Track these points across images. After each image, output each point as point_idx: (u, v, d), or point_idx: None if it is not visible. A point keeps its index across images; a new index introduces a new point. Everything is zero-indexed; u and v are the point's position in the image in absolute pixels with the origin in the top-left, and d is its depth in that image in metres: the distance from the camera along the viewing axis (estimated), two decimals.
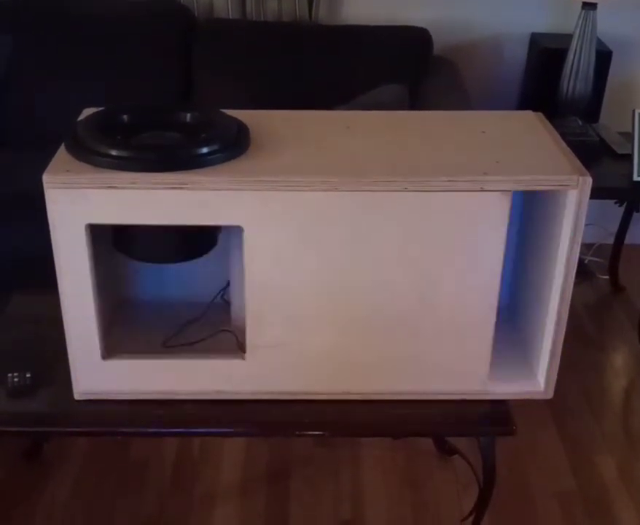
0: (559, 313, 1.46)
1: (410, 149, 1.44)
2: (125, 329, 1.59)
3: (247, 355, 1.48)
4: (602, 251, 3.04)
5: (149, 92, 2.67)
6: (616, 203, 2.76)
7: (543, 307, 1.49)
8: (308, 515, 1.98)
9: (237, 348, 1.53)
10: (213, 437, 2.15)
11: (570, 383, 2.42)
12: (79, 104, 1.59)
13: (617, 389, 2.45)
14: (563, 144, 1.47)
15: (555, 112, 2.49)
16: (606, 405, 2.37)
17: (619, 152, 2.53)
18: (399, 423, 1.54)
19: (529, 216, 1.55)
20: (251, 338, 1.47)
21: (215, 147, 1.34)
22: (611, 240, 2.93)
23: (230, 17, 2.80)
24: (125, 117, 1.45)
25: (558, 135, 1.51)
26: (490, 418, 1.54)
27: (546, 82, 2.68)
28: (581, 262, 2.96)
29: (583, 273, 2.97)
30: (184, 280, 1.64)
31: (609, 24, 2.75)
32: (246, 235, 1.36)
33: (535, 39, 2.83)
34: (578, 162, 1.39)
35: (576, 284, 1.43)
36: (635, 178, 2.36)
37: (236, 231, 1.39)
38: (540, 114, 1.61)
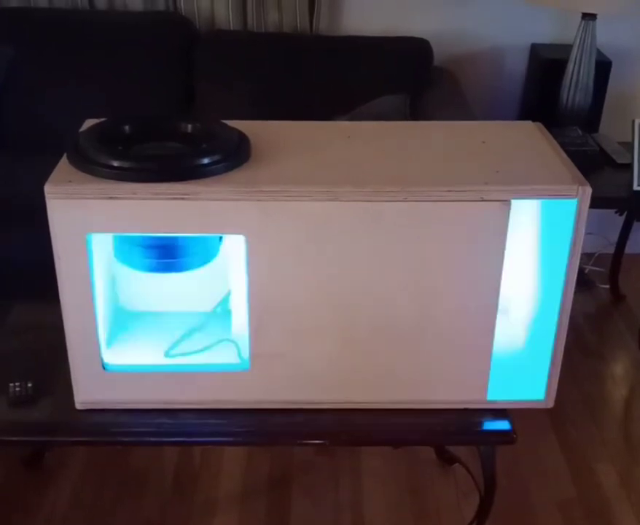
0: (559, 322, 1.46)
1: (410, 159, 1.45)
2: (125, 339, 1.59)
3: (248, 365, 1.49)
4: (602, 261, 3.05)
5: (151, 103, 2.68)
6: (616, 212, 2.77)
7: (543, 316, 1.50)
8: (309, 524, 1.98)
9: (239, 357, 1.54)
10: (213, 446, 2.16)
11: (570, 391, 2.43)
12: (80, 114, 1.60)
13: (617, 398, 2.45)
14: (563, 154, 1.47)
15: (555, 122, 2.50)
16: (607, 413, 2.37)
17: (619, 161, 2.54)
18: (399, 432, 1.55)
19: (529, 225, 1.56)
20: (252, 348, 1.47)
21: (216, 158, 1.35)
22: (611, 250, 2.94)
23: (231, 28, 2.81)
24: (127, 127, 1.46)
25: (558, 145, 1.51)
26: (491, 427, 1.54)
27: (546, 92, 2.69)
28: (581, 271, 2.97)
29: (583, 282, 2.97)
30: (186, 289, 1.64)
31: (609, 35, 2.76)
32: (248, 245, 1.37)
33: (535, 50, 2.84)
34: (578, 172, 1.40)
35: (577, 293, 1.43)
36: (635, 187, 2.37)
37: (237, 241, 1.40)
38: (540, 124, 1.61)
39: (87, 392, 1.50)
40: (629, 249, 2.90)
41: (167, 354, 1.56)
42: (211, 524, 1.97)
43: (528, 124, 1.61)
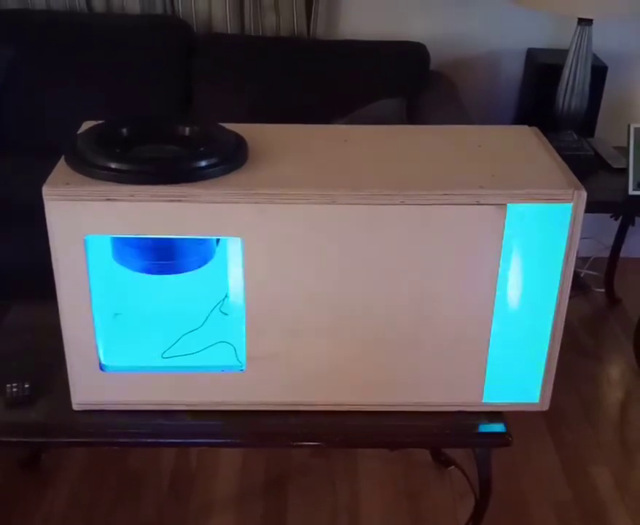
0: (555, 326, 1.47)
1: (406, 162, 1.45)
2: (123, 340, 1.60)
3: (245, 367, 1.49)
4: (598, 265, 3.05)
5: (148, 106, 2.68)
6: (611, 216, 2.77)
7: (539, 320, 1.50)
8: None
9: (236, 359, 1.54)
10: (210, 448, 2.16)
11: (566, 394, 2.43)
12: (78, 116, 1.61)
13: (612, 400, 2.46)
14: (559, 158, 1.48)
15: (551, 127, 2.50)
16: (602, 415, 2.38)
17: (615, 166, 2.55)
18: (395, 434, 1.55)
19: (525, 229, 1.56)
20: (249, 350, 1.48)
21: (214, 160, 1.36)
22: (606, 254, 2.94)
23: (229, 32, 2.81)
24: (124, 130, 1.46)
25: (554, 150, 1.52)
26: (486, 429, 1.55)
27: (542, 96, 2.70)
28: (577, 275, 2.97)
29: (579, 286, 2.98)
30: (183, 291, 1.65)
31: (605, 40, 2.77)
32: (245, 248, 1.38)
33: (531, 55, 2.85)
34: (573, 177, 1.40)
35: (572, 297, 1.44)
36: (631, 192, 2.37)
37: (235, 243, 1.41)
38: (536, 128, 1.62)
39: (85, 393, 1.51)
40: (624, 253, 2.91)
41: (164, 356, 1.57)
42: None
43: (524, 128, 1.62)
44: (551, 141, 1.58)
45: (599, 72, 2.67)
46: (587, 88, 2.55)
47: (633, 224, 2.82)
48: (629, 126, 2.37)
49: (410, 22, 2.84)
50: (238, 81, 2.69)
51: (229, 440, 1.57)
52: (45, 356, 1.63)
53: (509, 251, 1.44)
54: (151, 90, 2.71)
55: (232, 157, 1.39)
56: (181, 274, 1.52)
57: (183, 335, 1.61)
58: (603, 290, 2.97)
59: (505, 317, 1.67)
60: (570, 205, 1.36)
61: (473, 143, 1.54)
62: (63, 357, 1.47)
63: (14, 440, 1.54)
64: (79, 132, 1.47)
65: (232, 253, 1.46)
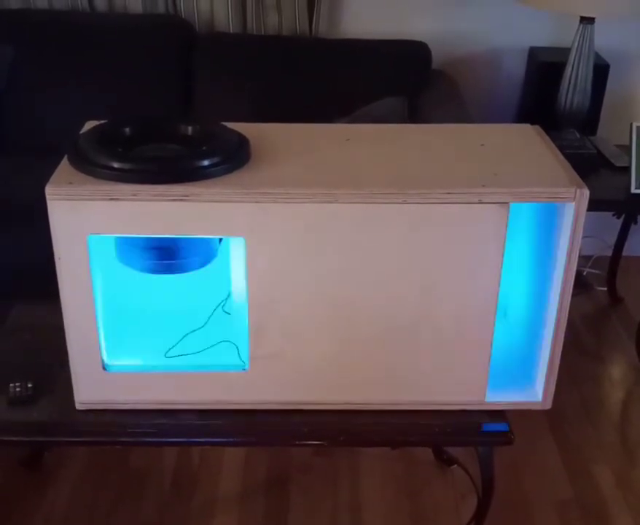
0: (557, 324, 1.47)
1: (409, 161, 1.45)
2: (126, 339, 1.60)
3: (247, 366, 1.49)
4: (600, 263, 3.05)
5: (150, 105, 2.68)
6: (614, 215, 2.77)
7: (541, 318, 1.50)
8: (307, 524, 1.99)
9: (238, 358, 1.54)
10: (212, 446, 2.16)
11: (568, 393, 2.44)
12: (80, 116, 1.61)
13: (614, 400, 2.46)
14: (561, 157, 1.48)
15: (553, 125, 2.50)
16: (604, 415, 2.38)
17: (617, 164, 2.55)
18: (397, 433, 1.55)
19: (527, 228, 1.56)
20: (251, 349, 1.48)
21: (216, 159, 1.36)
22: (609, 253, 2.94)
23: (231, 31, 2.81)
24: (127, 129, 1.46)
25: (556, 148, 1.52)
26: (489, 428, 1.55)
27: (544, 95, 2.70)
28: (579, 274, 2.98)
29: (581, 284, 2.98)
30: (186, 291, 1.65)
31: (607, 38, 2.77)
32: (247, 247, 1.38)
33: (533, 53, 2.85)
34: (576, 175, 1.40)
35: (575, 295, 1.44)
36: (633, 190, 2.37)
37: (237, 243, 1.41)
38: (538, 127, 1.62)
39: (87, 392, 1.51)
40: (627, 252, 2.91)
41: (167, 355, 1.57)
42: (210, 524, 1.98)
43: (526, 127, 1.62)
44: (553, 140, 1.58)
45: (601, 70, 2.67)
46: (589, 86, 2.55)
47: (635, 223, 2.82)
48: (631, 125, 2.37)
49: (412, 20, 2.85)
50: (240, 80, 2.69)
51: (231, 439, 1.57)
52: (48, 356, 1.63)
53: (512, 249, 1.44)
54: (153, 89, 2.71)
55: (234, 157, 1.39)
56: (184, 273, 1.52)
57: (186, 335, 1.62)
58: (605, 289, 2.97)
59: (507, 316, 1.68)
60: (572, 203, 1.36)
61: (475, 141, 1.54)
62: (66, 357, 1.47)
63: (16, 439, 1.54)
64: (81, 131, 1.47)
65: (235, 252, 1.46)
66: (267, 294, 1.42)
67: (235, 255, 1.46)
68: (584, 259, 3.07)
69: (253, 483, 2.10)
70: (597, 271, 3.05)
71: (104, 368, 1.48)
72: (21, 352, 1.68)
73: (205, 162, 1.35)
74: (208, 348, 1.58)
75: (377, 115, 2.37)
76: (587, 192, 1.35)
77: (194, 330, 1.63)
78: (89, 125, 1.52)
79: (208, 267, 1.51)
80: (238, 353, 1.55)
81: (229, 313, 1.63)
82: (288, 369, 1.50)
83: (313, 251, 1.39)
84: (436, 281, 1.42)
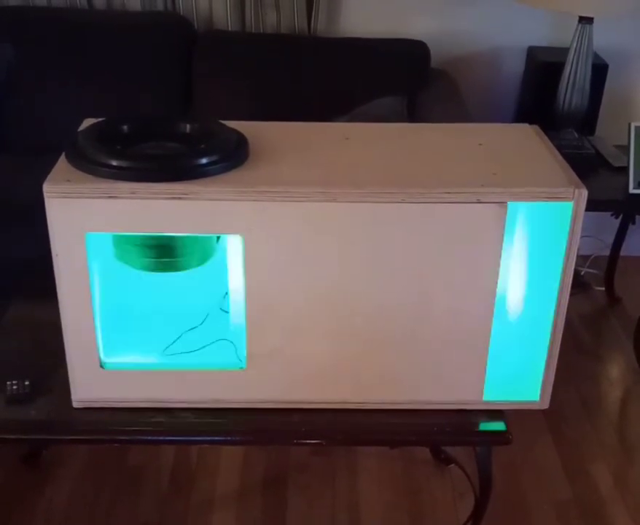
0: (555, 324, 1.47)
1: (407, 160, 1.45)
2: (123, 338, 1.60)
3: (245, 364, 1.49)
4: (598, 263, 3.06)
5: (149, 103, 2.68)
6: (612, 215, 2.77)
7: (539, 318, 1.50)
8: (305, 523, 1.99)
9: (236, 357, 1.54)
10: (210, 445, 2.16)
11: (566, 392, 2.44)
12: (79, 113, 1.61)
13: (612, 399, 2.46)
14: (560, 157, 1.48)
15: (552, 125, 2.50)
16: (602, 414, 2.38)
17: (615, 164, 2.55)
18: (396, 432, 1.55)
19: (525, 227, 1.56)
20: (249, 347, 1.48)
21: (214, 158, 1.36)
22: (607, 252, 2.95)
23: (230, 29, 2.81)
24: (125, 127, 1.46)
25: (554, 148, 1.52)
26: (487, 427, 1.55)
27: (542, 94, 2.70)
28: (577, 273, 2.98)
29: (579, 284, 2.98)
30: (183, 289, 1.65)
31: (606, 38, 2.77)
32: (245, 245, 1.38)
33: (532, 53, 2.85)
34: (574, 175, 1.40)
35: (573, 295, 1.44)
36: (631, 190, 2.37)
37: (235, 241, 1.41)
38: (536, 126, 1.62)
39: (85, 390, 1.51)
40: (625, 252, 2.91)
41: (164, 353, 1.57)
42: (207, 523, 1.98)
43: (525, 126, 1.62)
44: (552, 140, 1.58)
45: (600, 70, 2.67)
46: (587, 86, 2.55)
47: (633, 223, 2.82)
48: (630, 124, 2.37)
49: (411, 19, 2.84)
50: (239, 78, 2.69)
51: (229, 438, 1.57)
52: (45, 354, 1.63)
53: (510, 249, 1.44)
54: (152, 87, 2.71)
55: (232, 155, 1.39)
56: (182, 272, 1.52)
57: (183, 333, 1.61)
58: (603, 288, 2.98)
59: (505, 315, 1.67)
60: (571, 203, 1.36)
61: (474, 141, 1.54)
62: (63, 355, 1.47)
63: (14, 437, 1.54)
64: (79, 129, 1.47)
65: (233, 251, 1.46)
66: (264, 293, 1.42)
67: (233, 253, 1.46)
68: (582, 259, 3.07)
69: (251, 481, 2.10)
70: (595, 271, 3.06)
71: (101, 366, 1.48)
72: (18, 350, 1.68)
73: (204, 161, 1.35)
74: (205, 346, 1.58)
75: (376, 114, 2.37)
76: (585, 192, 1.35)
77: (192, 328, 1.63)
78: (87, 122, 1.52)
79: (206, 265, 1.51)
80: (236, 351, 1.55)
81: (226, 312, 1.63)
82: (286, 368, 1.49)
83: (311, 249, 1.39)
84: (434, 280, 1.42)
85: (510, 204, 1.36)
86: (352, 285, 1.42)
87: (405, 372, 1.51)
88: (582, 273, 3.05)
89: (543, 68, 2.74)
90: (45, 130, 2.65)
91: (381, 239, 1.38)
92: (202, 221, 1.35)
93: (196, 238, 1.46)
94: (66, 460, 2.13)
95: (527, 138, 1.57)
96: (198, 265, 1.50)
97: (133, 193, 1.32)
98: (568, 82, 2.54)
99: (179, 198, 1.32)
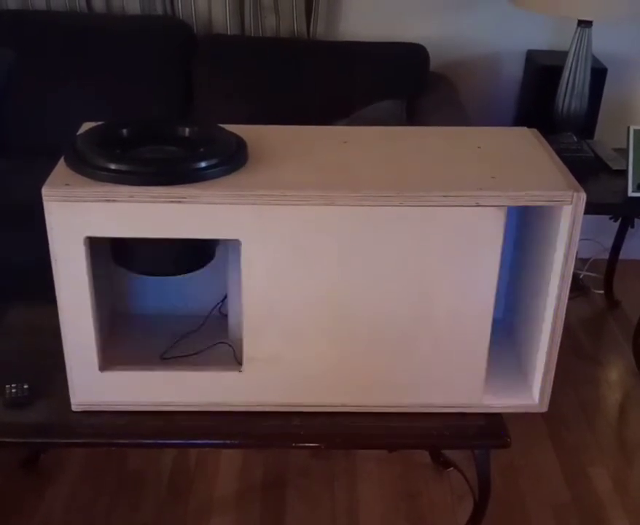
0: (554, 327, 1.47)
1: (406, 164, 1.45)
2: (122, 341, 1.60)
3: (244, 367, 1.49)
4: (597, 266, 3.06)
5: (148, 107, 2.68)
6: (611, 218, 2.77)
7: (538, 321, 1.50)
8: None
9: (235, 360, 1.54)
10: (209, 448, 2.16)
11: (565, 396, 2.43)
12: (79, 118, 1.61)
13: (611, 402, 2.46)
14: (558, 160, 1.48)
15: (551, 128, 2.50)
16: (601, 417, 2.38)
17: (614, 167, 2.55)
18: (394, 435, 1.55)
19: (524, 231, 1.57)
20: (248, 351, 1.48)
21: (213, 161, 1.36)
22: (606, 256, 2.94)
23: (229, 33, 2.81)
24: (124, 131, 1.47)
25: (553, 152, 1.52)
26: (486, 430, 1.55)
27: (541, 98, 2.70)
28: (576, 277, 2.98)
29: (578, 287, 2.98)
30: (182, 293, 1.65)
31: (605, 42, 2.77)
32: (244, 249, 1.38)
33: (531, 56, 2.85)
34: (573, 178, 1.41)
35: (571, 298, 1.44)
36: (630, 194, 2.38)
37: (234, 245, 1.41)
38: (535, 130, 1.62)
39: (84, 394, 1.51)
40: (623, 255, 2.91)
41: (163, 357, 1.57)
42: None
43: (524, 130, 1.62)
44: (551, 143, 1.58)
45: (599, 74, 2.68)
46: (586, 90, 2.55)
47: (632, 226, 2.82)
48: (629, 128, 2.37)
49: (410, 23, 2.85)
50: (238, 82, 2.69)
51: (228, 441, 1.57)
52: (44, 357, 1.63)
53: (509, 252, 1.44)
54: (151, 90, 2.71)
55: (231, 159, 1.39)
56: (181, 275, 1.52)
57: (182, 336, 1.62)
58: (602, 292, 2.98)
59: (504, 318, 1.68)
60: (569, 206, 1.36)
61: (473, 144, 1.54)
62: (62, 358, 1.47)
63: (13, 440, 1.54)
64: (78, 133, 1.47)
65: (232, 254, 1.46)
66: (263, 296, 1.42)
67: (232, 257, 1.46)
68: (581, 262, 3.07)
69: (250, 485, 2.09)
70: (594, 274, 3.05)
71: (100, 370, 1.48)
72: (17, 353, 1.68)
73: (203, 164, 1.35)
74: (204, 350, 1.58)
75: (375, 118, 2.37)
76: (584, 196, 1.36)
77: (191, 332, 1.63)
78: (86, 126, 1.52)
79: (205, 269, 1.51)
80: (235, 355, 1.55)
81: (225, 315, 1.63)
82: (284, 371, 1.49)
83: (309, 253, 1.39)
84: (433, 284, 1.42)
85: (509, 208, 1.36)
86: (350, 288, 1.42)
87: (404, 376, 1.51)
88: (581, 276, 3.05)
89: (542, 72, 2.74)
90: (45, 134, 2.65)
91: (380, 242, 1.38)
92: (201, 224, 1.35)
93: (195, 241, 1.46)
94: (65, 464, 2.12)
95: (526, 141, 1.57)
96: (197, 268, 1.50)
97: (131, 197, 1.32)
98: (567, 86, 2.54)
99: (178, 202, 1.33)
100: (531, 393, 1.56)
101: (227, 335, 1.60)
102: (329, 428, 1.53)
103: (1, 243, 2.28)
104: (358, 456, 2.19)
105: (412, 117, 2.53)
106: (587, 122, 2.67)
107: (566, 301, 1.44)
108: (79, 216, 1.33)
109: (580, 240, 1.39)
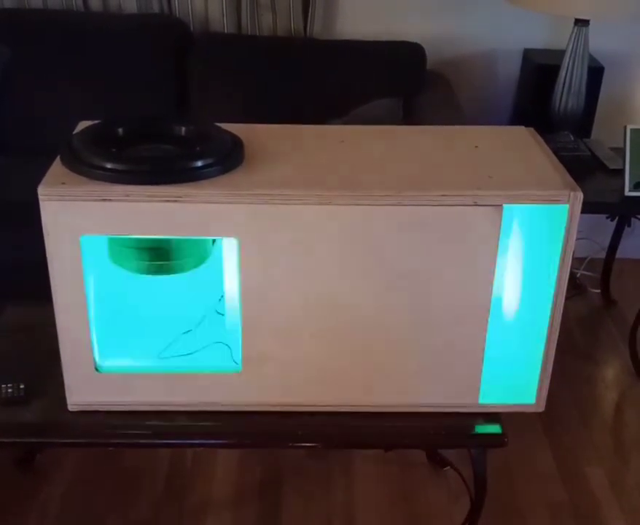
0: (551, 326, 1.47)
1: (403, 163, 1.45)
2: (118, 340, 1.59)
3: (241, 367, 1.49)
4: (594, 265, 3.06)
5: (145, 105, 2.68)
6: (607, 217, 2.77)
7: (535, 320, 1.50)
8: None
9: (232, 360, 1.54)
10: (206, 448, 2.16)
11: (561, 395, 2.44)
12: (75, 117, 1.60)
13: (607, 401, 2.46)
14: (555, 159, 1.48)
15: (548, 127, 2.50)
16: (597, 416, 2.38)
17: (611, 167, 2.55)
18: (391, 435, 1.55)
19: (521, 230, 1.56)
20: (244, 350, 1.47)
21: (209, 160, 1.35)
22: (602, 255, 2.95)
23: (226, 31, 2.81)
24: (120, 129, 1.46)
25: (550, 151, 1.52)
26: (482, 430, 1.55)
27: (538, 97, 2.70)
28: (573, 276, 2.98)
29: (575, 286, 2.98)
30: (179, 292, 1.64)
31: (601, 40, 2.77)
32: (240, 248, 1.37)
33: (528, 55, 2.85)
34: (570, 178, 1.40)
35: (568, 297, 1.44)
36: (627, 193, 2.37)
37: (230, 244, 1.40)
38: (532, 129, 1.62)
39: (80, 393, 1.50)
40: (620, 254, 2.91)
41: (160, 356, 1.57)
42: None
43: (521, 129, 1.62)
44: (547, 142, 1.58)
45: (596, 73, 2.68)
46: (583, 89, 2.55)
47: (629, 225, 2.82)
48: (625, 127, 2.37)
49: (407, 22, 2.84)
50: (235, 80, 2.68)
51: (224, 441, 1.57)
52: (40, 357, 1.63)
53: (506, 252, 1.44)
54: (147, 88, 2.70)
55: (228, 158, 1.39)
56: (177, 275, 1.51)
57: (179, 336, 1.61)
58: (599, 291, 2.98)
59: (501, 318, 1.67)
60: (566, 206, 1.36)
61: (469, 143, 1.54)
62: (58, 358, 1.46)
63: (8, 440, 1.54)
64: (74, 132, 1.47)
65: (228, 253, 1.46)
66: (260, 296, 1.42)
67: (228, 256, 1.46)
68: (577, 261, 3.07)
69: (246, 484, 2.09)
70: (591, 273, 3.06)
71: (96, 369, 1.48)
72: (13, 353, 1.68)
73: (199, 163, 1.34)
74: (201, 349, 1.58)
75: (372, 117, 2.37)
76: (580, 195, 1.35)
77: (187, 331, 1.62)
78: (82, 124, 1.51)
79: (201, 268, 1.51)
80: (231, 354, 1.55)
81: (222, 314, 1.63)
82: (281, 370, 1.49)
83: (306, 253, 1.38)
84: (430, 283, 1.42)
85: (506, 207, 1.36)
86: (348, 288, 1.42)
87: (401, 375, 1.51)
88: (578, 275, 3.05)
89: (539, 71, 2.74)
90: (41, 132, 2.65)
91: (377, 242, 1.38)
92: (197, 224, 1.35)
93: (191, 240, 1.45)
94: (61, 463, 2.12)
95: (523, 140, 1.57)
96: (193, 267, 1.50)
97: (127, 196, 1.32)
98: (564, 85, 2.54)
99: (174, 201, 1.32)
100: (527, 392, 1.56)
101: (223, 334, 1.60)
102: (325, 428, 1.53)
103: (1, 242, 2.27)
104: (354, 455, 2.19)
105: (409, 115, 2.53)
106: (584, 121, 2.67)
107: (563, 300, 1.44)
108: (75, 215, 1.33)
109: (577, 239, 1.39)
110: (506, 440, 1.53)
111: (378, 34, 2.81)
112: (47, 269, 1.38)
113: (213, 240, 1.50)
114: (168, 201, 1.32)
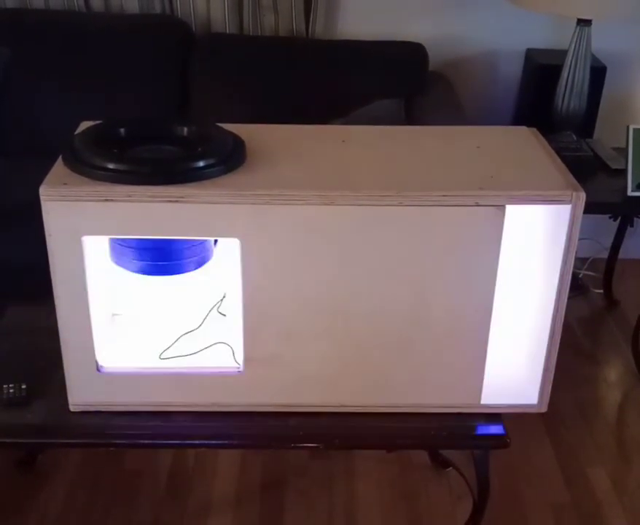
0: (553, 327, 1.47)
1: (405, 163, 1.45)
2: (120, 341, 1.59)
3: (242, 368, 1.49)
4: (596, 266, 3.05)
5: (147, 106, 2.68)
6: (610, 217, 2.77)
7: (537, 321, 1.50)
8: None
9: (233, 360, 1.54)
10: (208, 449, 2.15)
11: (564, 395, 2.43)
12: (77, 117, 1.60)
13: (610, 402, 2.46)
14: (558, 160, 1.48)
15: (550, 128, 2.50)
16: (600, 417, 2.38)
17: (613, 167, 2.55)
18: (393, 436, 1.55)
19: (523, 230, 1.56)
20: (246, 351, 1.47)
21: (211, 161, 1.35)
22: (605, 255, 2.94)
23: (228, 32, 2.81)
24: (122, 130, 1.46)
25: (553, 151, 1.52)
26: (485, 431, 1.55)
27: (541, 97, 2.70)
28: (575, 276, 2.98)
29: (577, 287, 2.98)
30: (180, 292, 1.64)
31: (604, 40, 2.77)
32: (242, 249, 1.37)
33: (530, 55, 2.85)
34: (572, 178, 1.40)
35: (571, 298, 1.43)
36: (629, 193, 2.37)
37: (232, 244, 1.40)
38: (534, 129, 1.62)
39: (81, 394, 1.50)
40: (623, 254, 2.91)
41: (161, 357, 1.56)
42: None
43: (523, 129, 1.62)
44: (550, 142, 1.58)
45: (598, 73, 2.67)
46: (586, 89, 2.55)
47: (631, 226, 2.82)
48: (628, 127, 2.37)
49: (409, 22, 2.84)
50: (237, 81, 2.68)
51: (226, 442, 1.57)
52: (42, 357, 1.63)
53: (508, 252, 1.44)
54: (149, 89, 2.70)
55: (230, 158, 1.39)
56: (179, 275, 1.51)
57: (180, 336, 1.61)
58: (601, 291, 2.97)
59: (503, 318, 1.67)
60: (569, 206, 1.36)
61: (471, 144, 1.53)
62: (60, 358, 1.46)
63: (10, 441, 1.54)
64: (76, 132, 1.47)
65: (230, 254, 1.45)
66: (262, 296, 1.42)
67: (230, 257, 1.46)
68: (580, 262, 3.07)
69: (248, 485, 2.09)
70: (593, 274, 3.05)
71: (98, 370, 1.48)
72: (15, 353, 1.68)
73: (201, 164, 1.34)
74: (203, 349, 1.58)
75: (374, 117, 2.37)
76: (583, 195, 1.35)
77: (189, 332, 1.62)
78: (84, 125, 1.51)
79: (203, 268, 1.51)
80: (233, 355, 1.55)
81: (224, 315, 1.63)
82: (283, 371, 1.49)
83: (308, 253, 1.38)
84: (432, 283, 1.42)
85: (508, 207, 1.36)
86: (349, 288, 1.42)
87: (403, 376, 1.51)
88: (580, 275, 3.05)
89: (541, 71, 2.74)
90: (42, 133, 2.65)
91: (379, 242, 1.38)
92: (199, 224, 1.35)
93: (193, 241, 1.45)
94: (62, 464, 2.12)
95: (525, 140, 1.56)
96: (195, 268, 1.50)
97: (129, 196, 1.31)
98: (566, 85, 2.54)
99: (176, 201, 1.32)
100: (530, 393, 1.55)
101: (225, 335, 1.60)
102: (327, 428, 1.53)
103: (2, 243, 2.27)
104: (357, 456, 2.18)
105: (410, 116, 2.53)
106: (586, 121, 2.67)
107: (566, 300, 1.44)
108: (76, 215, 1.33)
109: (579, 239, 1.39)
110: (508, 440, 1.53)
111: (380, 35, 2.80)
112: (49, 270, 1.38)
113: (215, 241, 1.50)
114: (170, 202, 1.32)
